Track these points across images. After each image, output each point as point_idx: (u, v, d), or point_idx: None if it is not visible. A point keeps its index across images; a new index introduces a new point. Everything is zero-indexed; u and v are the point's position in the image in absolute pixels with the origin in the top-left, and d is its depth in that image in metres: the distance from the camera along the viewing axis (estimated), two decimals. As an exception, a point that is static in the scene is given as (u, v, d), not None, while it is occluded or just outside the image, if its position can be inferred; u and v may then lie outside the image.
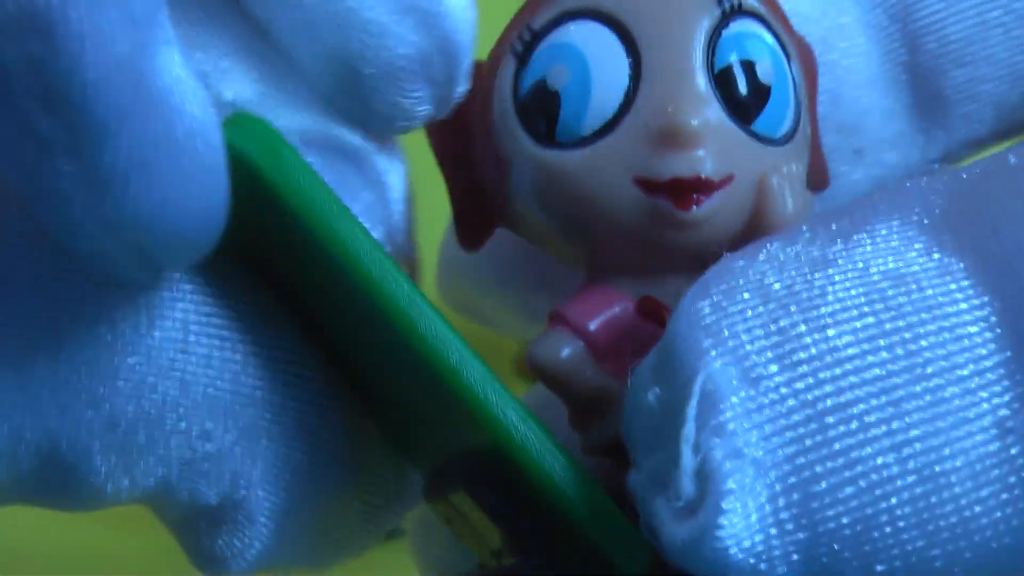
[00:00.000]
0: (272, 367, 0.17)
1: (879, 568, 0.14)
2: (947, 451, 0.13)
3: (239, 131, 0.15)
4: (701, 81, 0.17)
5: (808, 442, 0.13)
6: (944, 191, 0.15)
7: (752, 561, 0.13)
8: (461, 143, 0.19)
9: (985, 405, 0.14)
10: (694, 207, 0.17)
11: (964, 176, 0.15)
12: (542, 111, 0.17)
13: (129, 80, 0.13)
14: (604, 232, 0.17)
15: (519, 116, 0.18)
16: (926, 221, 0.15)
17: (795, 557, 0.13)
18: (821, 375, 0.14)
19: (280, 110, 0.17)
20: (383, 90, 0.17)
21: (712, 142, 0.17)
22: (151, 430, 0.16)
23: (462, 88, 0.18)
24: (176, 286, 0.17)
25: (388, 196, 0.18)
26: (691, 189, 0.16)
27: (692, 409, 0.14)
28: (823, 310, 0.14)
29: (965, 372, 0.14)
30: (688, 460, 0.14)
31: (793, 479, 0.13)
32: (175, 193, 0.14)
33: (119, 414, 0.16)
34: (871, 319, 0.14)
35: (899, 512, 0.13)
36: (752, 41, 0.17)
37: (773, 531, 0.13)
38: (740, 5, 0.17)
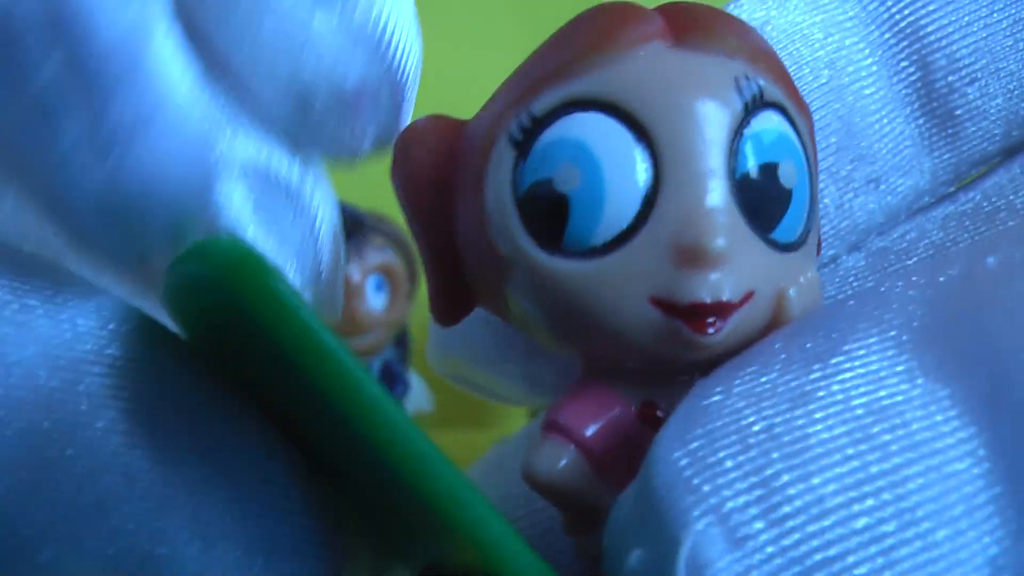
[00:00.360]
0: (235, 467, 0.17)
1: None
2: None
3: (226, 258, 0.15)
4: (725, 190, 0.15)
5: None
6: (922, 299, 0.14)
7: None
8: (443, 220, 0.17)
9: (976, 545, 0.13)
10: (711, 331, 0.15)
11: (942, 280, 0.14)
12: (547, 215, 0.15)
13: (135, 47, 0.14)
14: (612, 346, 0.16)
15: (520, 214, 0.16)
16: (905, 337, 0.14)
17: None
18: (808, 528, 0.13)
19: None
20: (333, 118, 0.17)
21: (734, 261, 0.15)
22: (95, 524, 0.15)
23: (406, 119, 0.17)
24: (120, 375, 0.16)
25: (318, 232, 0.18)
26: (711, 313, 0.15)
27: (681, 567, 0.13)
28: (806, 455, 0.13)
29: (956, 512, 0.13)
30: None
31: None
32: (167, 160, 0.15)
33: (61, 503, 0.15)
34: (856, 463, 0.13)
35: None
36: (775, 141, 0.16)
37: None
38: (762, 96, 0.16)
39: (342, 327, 0.41)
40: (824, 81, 0.19)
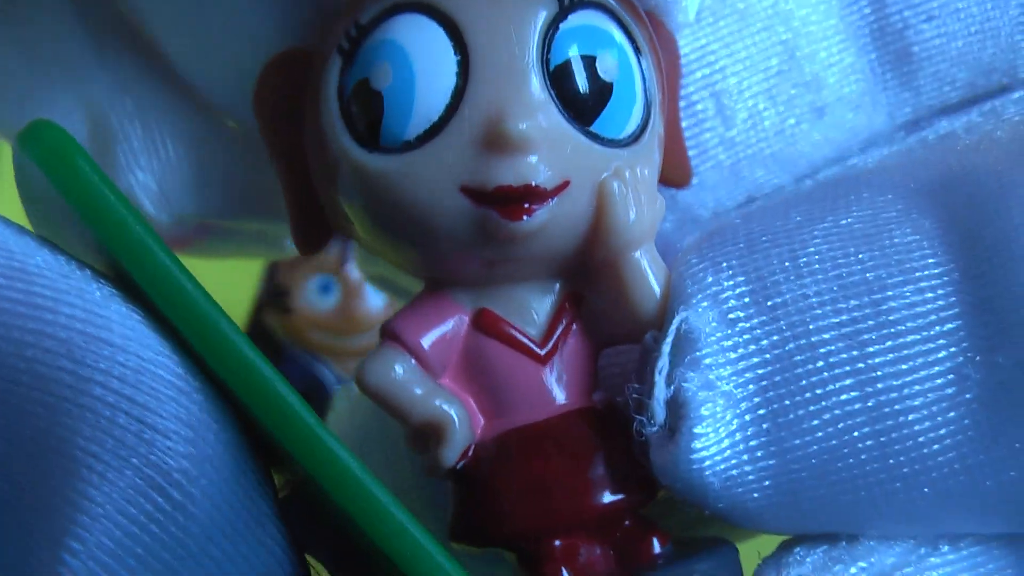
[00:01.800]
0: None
1: (845, 498, 0.15)
2: (907, 391, 0.15)
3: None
4: (534, 80, 0.15)
5: (778, 378, 0.15)
6: (935, 162, 0.16)
7: (728, 484, 0.15)
8: (293, 139, 0.17)
9: (943, 353, 0.15)
10: (525, 218, 0.15)
11: (957, 148, 0.16)
12: (365, 113, 0.16)
13: None
14: (433, 242, 0.16)
15: (343, 118, 0.16)
16: (912, 185, 0.16)
17: (767, 483, 0.15)
18: (793, 319, 0.15)
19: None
20: None
21: (545, 147, 0.15)
22: None
23: None
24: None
25: None
26: (520, 198, 0.15)
27: (667, 345, 0.15)
28: (801, 260, 0.15)
29: (927, 320, 0.15)
30: (660, 389, 0.15)
31: (762, 411, 0.15)
32: None
33: None
34: (844, 271, 0.15)
35: (861, 445, 0.15)
36: (593, 35, 0.16)
37: (745, 457, 0.15)
38: None
39: (342, 326, 0.42)
40: (769, 3, 0.19)
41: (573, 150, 0.15)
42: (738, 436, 0.15)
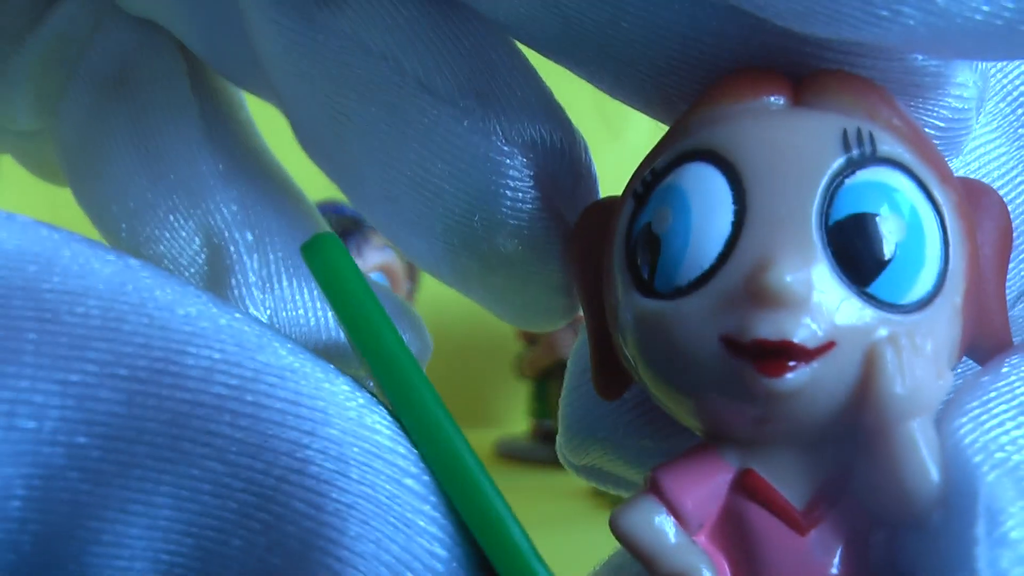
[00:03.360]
0: None
1: None
2: None
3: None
4: (810, 234, 0.15)
5: None
6: None
7: None
8: (597, 283, 0.17)
9: None
10: (787, 375, 0.15)
11: None
12: (644, 257, 0.16)
13: None
14: (697, 392, 0.16)
15: (627, 260, 0.16)
16: None
17: None
18: None
19: None
20: None
21: (811, 304, 0.15)
22: None
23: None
24: None
25: None
26: (778, 354, 0.15)
27: (981, 528, 0.14)
28: None
29: None
30: (985, 556, 0.14)
31: None
32: None
33: None
34: None
35: None
36: (881, 193, 0.15)
37: None
38: (874, 153, 0.15)
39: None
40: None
41: (843, 311, 0.15)
42: None
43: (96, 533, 0.14)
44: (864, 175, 0.15)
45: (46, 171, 0.26)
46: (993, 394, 0.15)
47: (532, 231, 0.19)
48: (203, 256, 0.20)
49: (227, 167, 0.21)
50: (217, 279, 0.20)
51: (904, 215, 0.15)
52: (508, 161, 0.18)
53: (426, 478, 0.15)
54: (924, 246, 0.15)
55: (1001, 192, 0.18)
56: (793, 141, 0.15)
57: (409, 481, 0.14)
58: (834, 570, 0.15)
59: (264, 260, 0.20)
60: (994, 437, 0.15)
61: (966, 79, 0.17)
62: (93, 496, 0.13)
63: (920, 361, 0.15)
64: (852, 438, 0.15)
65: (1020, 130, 0.19)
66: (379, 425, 0.15)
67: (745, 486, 0.16)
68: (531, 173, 0.19)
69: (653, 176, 0.16)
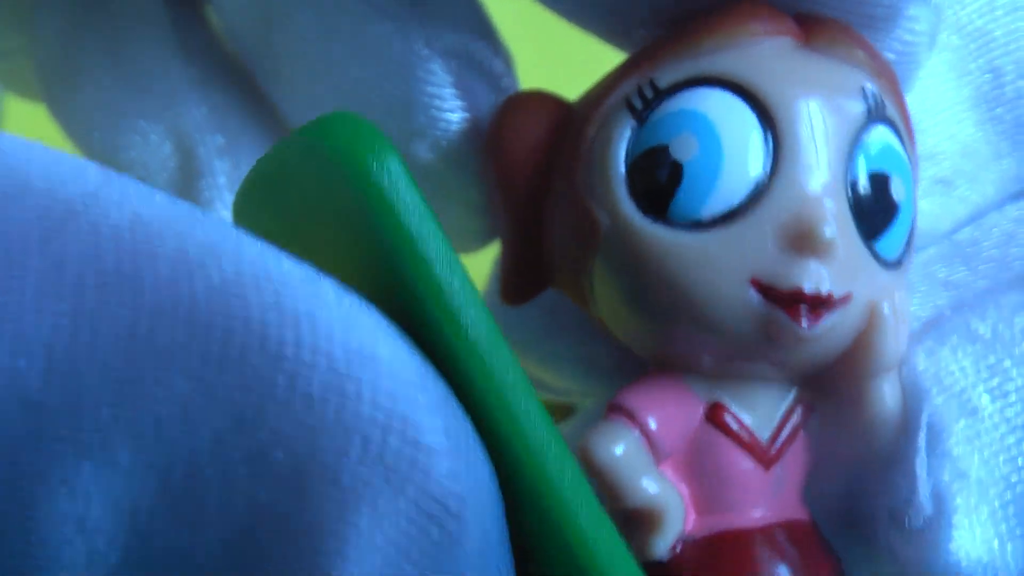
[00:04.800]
0: None
1: None
2: None
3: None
4: (842, 184, 0.15)
5: (1020, 460, 0.15)
6: None
7: (982, 564, 0.15)
8: (534, 196, 0.17)
9: None
10: (818, 325, 0.15)
11: None
12: (656, 181, 0.15)
13: None
14: (701, 333, 0.15)
15: (628, 180, 0.15)
16: None
17: (1016, 566, 0.15)
18: None
19: None
20: None
21: (839, 257, 0.15)
22: None
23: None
24: None
25: None
26: (811, 304, 0.15)
27: (922, 440, 0.15)
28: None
29: None
30: (924, 483, 0.15)
31: (1009, 494, 0.15)
32: None
33: None
34: None
35: None
36: (889, 154, 0.16)
37: (995, 543, 0.15)
38: (881, 109, 0.16)
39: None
40: None
41: (858, 264, 0.15)
42: (989, 523, 0.15)
43: (43, 472, 0.12)
44: (875, 133, 0.16)
45: (26, 90, 0.25)
46: (948, 328, 0.16)
47: (450, 143, 0.18)
48: (174, 161, 0.20)
49: (198, 73, 0.21)
50: (188, 183, 0.20)
51: (905, 178, 0.16)
52: (428, 66, 0.18)
53: (443, 389, 0.13)
54: (911, 208, 0.16)
55: (944, 127, 0.19)
56: (824, 88, 0.15)
57: (422, 400, 0.12)
58: (790, 502, 0.16)
59: (235, 163, 0.20)
60: (945, 366, 0.16)
61: (918, 12, 0.17)
62: (38, 429, 0.11)
63: (901, 317, 0.16)
64: (819, 383, 0.16)
65: (970, 65, 0.19)
66: (374, 329, 0.12)
67: (714, 419, 0.16)
68: (451, 80, 0.18)
69: (656, 93, 0.16)
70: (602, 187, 0.16)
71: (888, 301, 0.15)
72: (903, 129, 0.16)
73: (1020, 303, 0.16)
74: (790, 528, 0.16)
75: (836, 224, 0.15)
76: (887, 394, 0.16)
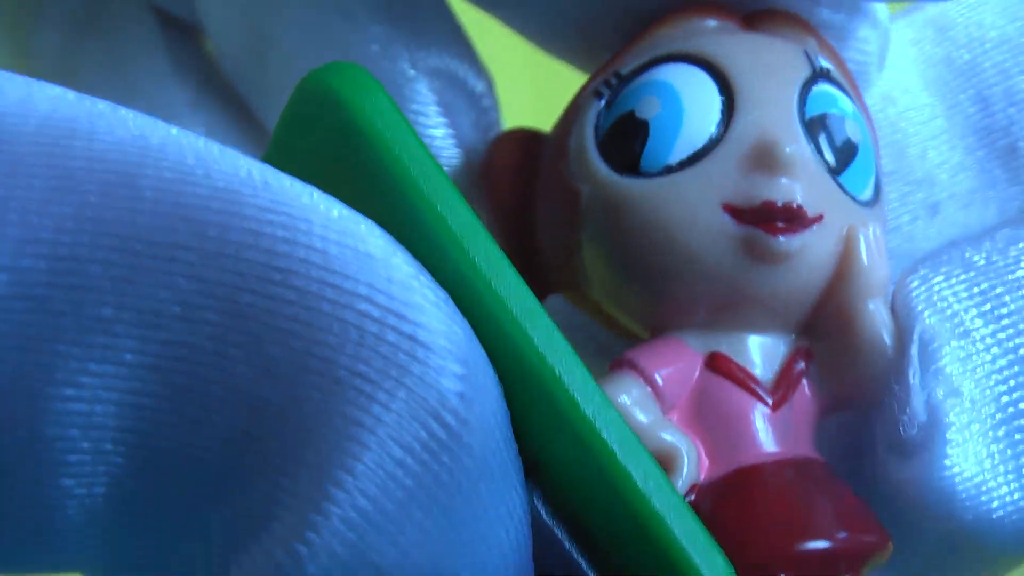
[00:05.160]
0: None
1: None
2: None
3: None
4: (796, 119, 0.16)
5: (1012, 382, 0.16)
6: None
7: (973, 491, 0.15)
8: (522, 218, 0.18)
9: None
10: (795, 235, 0.16)
11: None
12: (626, 141, 0.16)
13: None
14: (681, 271, 0.16)
15: (599, 150, 0.17)
16: None
17: (1008, 486, 0.15)
18: (1021, 326, 0.16)
19: None
20: None
21: (804, 177, 0.16)
22: None
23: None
24: None
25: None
26: (783, 216, 0.16)
27: (914, 348, 0.16)
28: (1018, 274, 0.16)
29: None
30: (917, 391, 0.15)
31: (1000, 415, 0.15)
32: None
33: None
34: None
35: None
36: (840, 103, 0.17)
37: (988, 464, 0.15)
38: (829, 72, 0.17)
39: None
40: (878, 109, 0.20)
41: (826, 189, 0.16)
42: (981, 441, 0.15)
43: (48, 371, 0.12)
44: (823, 87, 0.17)
45: None
46: (944, 258, 0.17)
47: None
48: None
49: (194, 96, 0.22)
50: None
51: (859, 122, 0.17)
52: (414, 86, 0.19)
53: (441, 292, 0.13)
54: (871, 153, 0.17)
55: (936, 153, 0.20)
56: (769, 50, 0.17)
57: (417, 298, 0.13)
58: (801, 445, 0.16)
59: None
60: (938, 290, 0.16)
61: (868, 35, 0.18)
62: (42, 328, 0.12)
63: (879, 247, 0.16)
64: (813, 327, 0.16)
65: (960, 96, 0.20)
66: (368, 233, 0.13)
67: (715, 366, 0.16)
68: (434, 99, 0.19)
69: (619, 79, 0.17)
70: (578, 162, 0.17)
71: (863, 227, 0.16)
72: (852, 94, 0.17)
73: (1015, 235, 0.17)
74: (803, 464, 0.16)
75: (799, 144, 0.16)
76: (877, 319, 0.16)
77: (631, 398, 0.16)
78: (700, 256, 0.16)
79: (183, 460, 0.13)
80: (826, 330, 0.16)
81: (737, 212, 0.16)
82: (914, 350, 0.16)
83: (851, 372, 0.16)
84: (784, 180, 0.16)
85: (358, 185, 0.14)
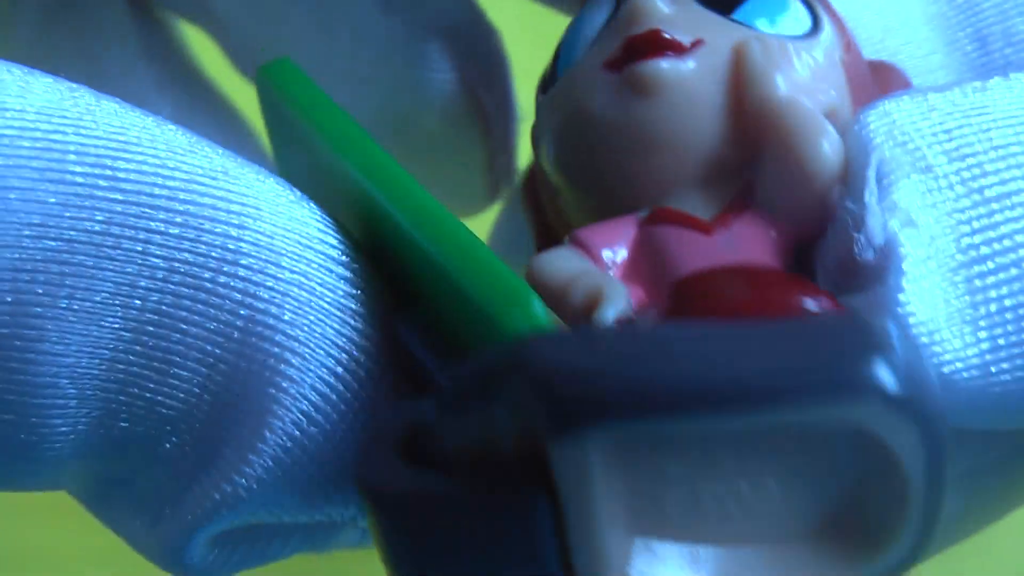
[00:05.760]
0: None
1: None
2: None
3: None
4: None
5: (975, 224, 0.15)
6: None
7: (925, 339, 0.14)
8: (535, 199, 0.19)
9: None
10: (663, 59, 0.16)
11: None
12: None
13: None
14: (593, 145, 0.17)
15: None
16: None
17: (962, 339, 0.14)
18: (986, 167, 0.15)
19: None
20: None
21: (673, 18, 0.16)
22: None
23: None
24: None
25: None
26: (651, 45, 0.16)
27: (872, 174, 0.15)
28: (985, 116, 0.15)
29: None
30: (874, 211, 0.15)
31: (961, 256, 0.14)
32: None
33: None
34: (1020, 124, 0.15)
35: None
36: None
37: (942, 310, 0.14)
38: None
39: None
40: (877, 40, 0.20)
41: (707, 20, 0.16)
42: (938, 278, 0.14)
43: (40, 331, 0.14)
44: None
45: None
46: (906, 98, 0.16)
47: (454, 111, 0.22)
48: None
49: (162, 76, 0.23)
50: None
51: None
52: (427, 46, 0.21)
53: (356, 266, 0.16)
54: None
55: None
56: None
57: (340, 269, 0.16)
58: (739, 257, 0.15)
59: None
60: (899, 124, 0.15)
61: None
62: (32, 295, 0.14)
63: (790, 62, 0.16)
64: (750, 167, 0.16)
65: (959, 33, 0.20)
66: (308, 218, 0.16)
67: (653, 217, 0.16)
68: (448, 55, 0.21)
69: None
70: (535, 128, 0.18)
71: (759, 41, 0.16)
72: None
73: (982, 85, 0.16)
74: (751, 268, 0.15)
75: (668, 5, 0.16)
76: (800, 113, 0.16)
77: (568, 262, 0.16)
78: (600, 122, 0.16)
79: (152, 404, 0.15)
80: (762, 157, 0.16)
81: (611, 63, 0.16)
82: (871, 173, 0.15)
83: (790, 181, 0.16)
84: (646, 21, 0.16)
85: (293, 137, 0.18)
